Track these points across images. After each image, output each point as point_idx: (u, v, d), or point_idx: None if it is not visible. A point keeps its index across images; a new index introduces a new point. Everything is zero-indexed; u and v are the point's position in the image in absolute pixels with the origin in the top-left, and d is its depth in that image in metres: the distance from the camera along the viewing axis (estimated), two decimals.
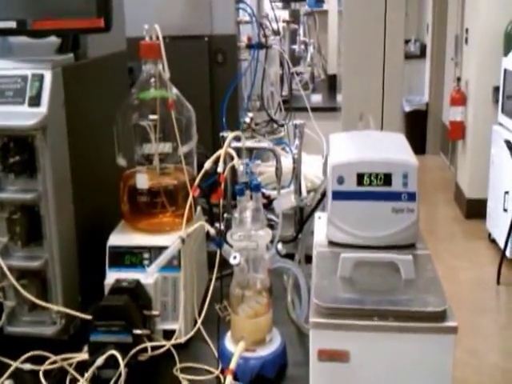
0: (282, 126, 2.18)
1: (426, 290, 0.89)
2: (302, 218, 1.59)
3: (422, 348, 0.82)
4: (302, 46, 3.67)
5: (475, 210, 4.49)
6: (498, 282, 3.64)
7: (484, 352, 2.89)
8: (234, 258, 1.02)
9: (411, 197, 1.00)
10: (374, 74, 1.45)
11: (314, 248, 1.05)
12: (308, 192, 1.78)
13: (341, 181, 1.00)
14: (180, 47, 1.90)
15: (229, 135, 1.23)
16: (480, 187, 4.44)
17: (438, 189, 5.22)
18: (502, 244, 3.80)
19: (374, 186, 1.00)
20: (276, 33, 2.27)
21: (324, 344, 0.83)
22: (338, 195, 1.01)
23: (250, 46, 2.10)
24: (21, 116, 1.07)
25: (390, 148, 1.10)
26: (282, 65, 2.37)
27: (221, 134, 1.54)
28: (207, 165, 1.12)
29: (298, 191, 1.60)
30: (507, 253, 3.73)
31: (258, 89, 2.19)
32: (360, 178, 1.00)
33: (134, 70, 1.62)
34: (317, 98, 4.14)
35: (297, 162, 1.58)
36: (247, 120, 2.08)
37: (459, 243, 4.11)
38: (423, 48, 7.07)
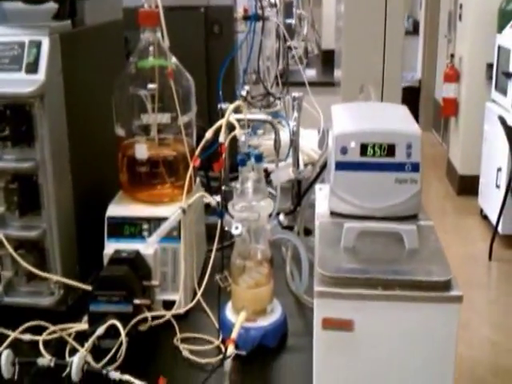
0: (279, 99, 2.15)
1: (430, 259, 0.89)
2: (299, 191, 1.59)
3: (426, 317, 0.82)
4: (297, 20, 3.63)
5: (467, 186, 4.51)
6: (490, 258, 3.67)
7: (475, 326, 2.92)
8: (236, 228, 1.01)
9: (415, 167, 0.99)
10: (374, 47, 1.44)
11: (315, 219, 1.04)
12: (305, 165, 1.77)
13: (344, 151, 0.99)
14: (176, 18, 1.86)
15: (229, 106, 1.21)
16: (472, 164, 4.45)
17: (430, 165, 5.23)
18: (494, 220, 3.82)
19: (377, 156, 0.99)
20: (273, 5, 2.24)
21: (328, 313, 0.83)
22: (341, 166, 1.00)
23: (246, 18, 2.07)
24: (18, 83, 1.05)
25: (393, 118, 1.09)
26: (278, 38, 2.34)
27: (219, 106, 1.52)
28: (208, 134, 1.11)
29: (296, 164, 1.59)
30: (499, 229, 3.76)
31: (254, 62, 2.16)
32: (363, 149, 0.99)
33: (129, 40, 1.59)
34: (311, 73, 4.10)
35: (295, 135, 1.57)
36: (243, 93, 2.06)
37: (451, 219, 4.14)
38: (416, 24, 7.03)
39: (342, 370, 0.85)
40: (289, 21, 3.65)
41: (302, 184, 1.59)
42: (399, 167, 0.99)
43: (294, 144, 1.56)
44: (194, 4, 1.96)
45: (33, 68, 1.06)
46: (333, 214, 1.03)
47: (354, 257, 0.90)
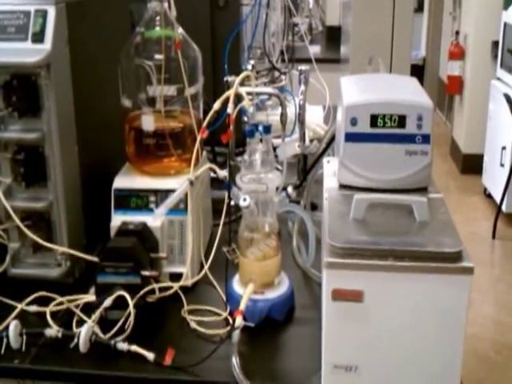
0: (284, 73, 2.13)
1: (441, 231, 0.88)
2: (305, 166, 1.58)
3: (437, 289, 0.81)
4: None
5: (471, 164, 4.49)
6: (494, 237, 3.66)
7: (478, 304, 2.93)
8: (244, 200, 1.01)
9: (425, 139, 0.98)
10: (383, 19, 1.42)
11: (324, 191, 1.03)
12: (311, 141, 1.76)
13: (354, 122, 0.98)
14: None
15: (237, 77, 1.19)
16: (476, 142, 4.42)
17: (434, 144, 5.19)
18: (498, 199, 3.81)
19: (387, 127, 0.97)
20: None
21: (338, 284, 0.82)
22: (350, 137, 0.99)
23: None
24: (24, 53, 1.04)
25: (403, 90, 1.07)
26: (284, 13, 2.31)
27: (225, 78, 1.50)
28: (216, 105, 1.09)
29: (303, 138, 1.58)
30: (503, 207, 3.74)
31: (259, 37, 2.13)
32: (374, 120, 0.97)
33: (133, 12, 1.57)
34: (315, 50, 4.05)
35: (302, 109, 1.55)
36: (249, 67, 2.04)
37: (454, 198, 4.12)
38: (421, 1, 6.94)
39: (351, 341, 0.85)
40: None
41: (308, 159, 1.58)
42: (410, 139, 0.98)
43: (301, 118, 1.55)
44: None
45: (39, 37, 1.05)
46: (342, 186, 1.02)
47: (363, 228, 0.89)
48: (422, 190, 1.00)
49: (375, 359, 0.85)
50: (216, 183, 1.39)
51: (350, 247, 0.83)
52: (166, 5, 1.18)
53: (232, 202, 1.50)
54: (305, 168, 1.58)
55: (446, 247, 0.83)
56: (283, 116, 1.51)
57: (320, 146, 1.44)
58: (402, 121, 0.97)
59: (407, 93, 1.05)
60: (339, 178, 1.02)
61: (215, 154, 1.60)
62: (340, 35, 3.99)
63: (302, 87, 1.57)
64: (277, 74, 2.17)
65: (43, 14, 1.05)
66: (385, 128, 0.98)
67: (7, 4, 1.07)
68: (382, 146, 0.98)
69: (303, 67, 1.63)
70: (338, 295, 0.83)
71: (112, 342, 0.96)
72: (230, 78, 1.50)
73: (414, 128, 0.98)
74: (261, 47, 2.18)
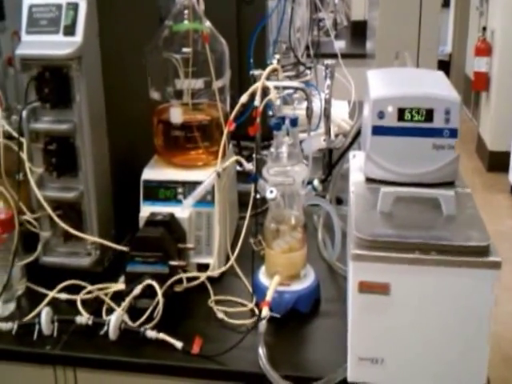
0: (310, 68, 2.13)
1: (468, 225, 0.88)
2: (330, 160, 1.58)
3: (464, 282, 0.82)
4: None
5: (497, 162, 4.44)
6: None
7: (502, 302, 2.90)
8: (271, 192, 1.02)
9: (453, 133, 0.98)
10: (410, 13, 1.41)
11: (350, 185, 1.04)
12: (336, 136, 1.76)
13: (381, 115, 0.98)
14: None
15: (264, 71, 1.20)
16: (503, 139, 4.37)
17: (460, 141, 5.12)
18: None
19: (415, 121, 0.97)
20: None
21: (365, 276, 0.83)
22: (377, 130, 0.99)
23: None
24: (56, 45, 1.06)
25: (431, 84, 1.07)
26: (309, 7, 2.30)
27: (251, 72, 1.51)
28: (244, 98, 1.10)
29: (329, 132, 1.58)
30: None
31: (284, 31, 2.14)
32: (401, 113, 0.97)
33: (160, 7, 1.59)
34: (340, 45, 4.03)
35: (328, 103, 1.55)
36: (274, 62, 2.04)
37: (480, 195, 4.08)
38: None
39: (377, 333, 0.85)
40: None
41: (333, 154, 1.58)
42: (437, 133, 0.98)
43: (327, 112, 1.55)
44: None
45: (70, 30, 1.06)
46: (368, 179, 1.02)
47: (390, 222, 0.89)
48: (449, 185, 1.00)
49: (401, 352, 0.85)
50: (242, 176, 1.40)
51: (376, 240, 0.84)
52: None
53: (258, 195, 1.52)
54: (330, 162, 1.58)
55: (473, 241, 0.83)
56: (309, 110, 1.51)
57: (346, 141, 1.44)
58: (429, 115, 0.97)
59: (435, 87, 1.05)
60: (366, 171, 1.02)
61: (241, 148, 1.61)
62: (365, 30, 3.97)
63: (328, 82, 1.58)
64: (302, 68, 2.18)
65: (74, 7, 1.07)
66: (412, 122, 0.98)
67: None
68: (409, 140, 0.98)
69: (329, 62, 1.64)
70: (365, 287, 0.83)
71: (141, 329, 0.98)
72: (256, 72, 1.51)
73: (442, 122, 0.97)
74: (286, 42, 2.18)
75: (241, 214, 1.36)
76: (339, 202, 1.39)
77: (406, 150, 0.98)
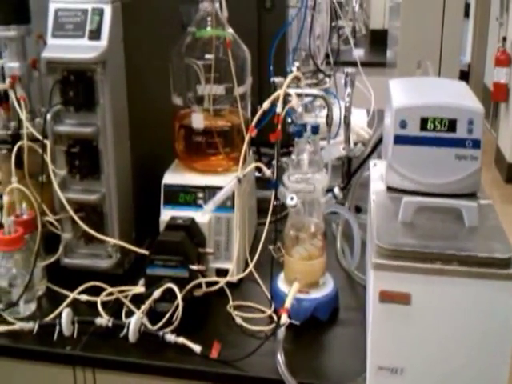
0: (329, 76, 2.14)
1: (490, 237, 0.87)
2: (349, 168, 1.58)
3: (486, 294, 0.81)
4: None
5: None
6: None
7: None
8: (291, 199, 1.02)
9: (476, 144, 0.98)
10: (432, 22, 1.41)
11: (371, 194, 1.04)
12: (355, 144, 1.76)
13: (403, 125, 0.98)
14: None
15: (286, 78, 1.20)
16: None
17: None
18: None
19: (437, 131, 0.97)
20: None
21: (386, 285, 0.83)
22: (399, 139, 0.99)
23: None
24: (81, 49, 1.07)
25: (453, 94, 1.07)
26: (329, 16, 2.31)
27: (272, 79, 1.52)
28: (265, 105, 1.11)
29: (348, 141, 1.58)
30: None
31: (303, 39, 2.14)
32: (424, 123, 0.97)
33: (181, 13, 1.61)
34: (359, 53, 4.02)
35: (348, 111, 1.56)
36: (294, 69, 2.05)
37: (498, 207, 4.00)
38: (466, 7, 6.83)
39: (397, 343, 0.85)
40: None
41: (352, 162, 1.58)
42: (460, 143, 0.97)
43: (347, 120, 1.55)
44: None
45: (95, 35, 1.08)
46: (389, 188, 1.02)
47: (411, 231, 0.89)
48: (471, 196, 0.99)
49: (421, 362, 0.85)
50: (260, 182, 1.41)
51: (398, 249, 0.84)
52: (217, 5, 1.20)
53: (277, 202, 1.52)
54: (349, 170, 1.58)
55: (496, 253, 0.82)
56: (329, 118, 1.51)
57: (365, 149, 1.45)
58: (452, 125, 0.97)
59: (458, 97, 1.04)
60: (387, 180, 1.02)
61: (260, 154, 1.61)
62: (384, 39, 3.97)
63: (348, 90, 1.58)
64: (321, 76, 2.18)
65: (100, 12, 1.08)
66: (435, 131, 0.97)
67: (66, 2, 1.10)
68: (432, 150, 0.98)
69: (349, 70, 1.64)
70: (385, 297, 0.83)
71: (160, 333, 0.98)
72: (276, 79, 1.51)
73: (465, 132, 0.97)
74: (306, 49, 2.19)
75: (259, 221, 1.37)
76: (358, 210, 1.39)
77: (428, 160, 0.98)
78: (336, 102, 1.95)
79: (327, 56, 2.31)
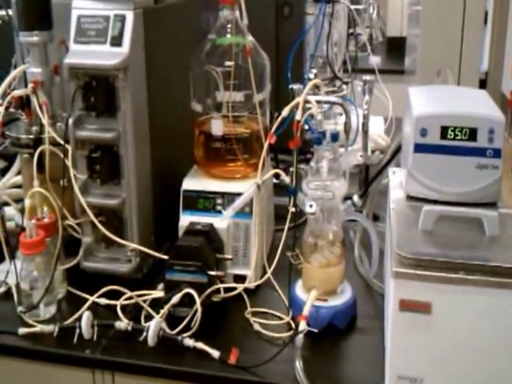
0: (346, 83, 2.14)
1: (511, 246, 0.87)
2: (367, 176, 1.58)
3: (507, 304, 0.81)
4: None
5: None
6: None
7: None
8: (310, 206, 1.02)
9: (496, 153, 0.97)
10: (452, 30, 1.41)
11: (390, 202, 1.03)
12: (372, 152, 1.76)
13: (424, 133, 0.98)
14: None
15: (301, 85, 1.21)
16: None
17: None
18: None
19: (458, 140, 0.97)
20: None
21: (406, 294, 0.83)
22: (420, 148, 0.98)
23: (317, 0, 2.06)
24: (103, 55, 1.08)
25: (474, 102, 1.06)
26: (350, 23, 2.31)
27: (290, 86, 1.52)
28: (285, 112, 1.12)
29: (366, 148, 1.58)
30: None
31: (321, 45, 2.15)
32: (444, 132, 0.97)
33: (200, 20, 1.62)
34: (375, 61, 4.02)
35: (366, 118, 1.56)
36: (311, 76, 2.06)
37: None
38: (485, 15, 6.80)
39: (417, 352, 0.85)
40: (354, 6, 3.59)
41: (369, 170, 1.58)
42: (480, 152, 0.97)
43: (365, 128, 1.55)
44: None
45: (117, 41, 1.09)
46: (409, 197, 1.02)
47: (432, 240, 0.89)
48: (492, 205, 0.99)
49: (441, 372, 0.85)
50: (277, 189, 1.41)
51: (419, 258, 0.84)
52: (237, 13, 1.21)
53: (293, 209, 1.52)
54: (366, 178, 1.58)
55: None
56: (347, 125, 1.51)
57: (384, 157, 1.44)
58: (473, 134, 0.97)
59: (478, 105, 1.04)
60: (407, 188, 1.02)
61: (278, 161, 1.62)
62: (401, 46, 3.96)
63: (367, 97, 1.58)
64: (338, 83, 2.18)
65: (122, 19, 1.10)
66: (455, 140, 0.97)
67: (87, 9, 1.11)
68: (452, 159, 0.98)
69: (368, 77, 1.64)
70: (406, 306, 0.83)
71: (179, 337, 0.99)
72: (295, 86, 1.52)
73: (486, 141, 0.97)
74: (322, 56, 2.19)
75: (276, 227, 1.37)
76: (375, 218, 1.39)
77: (448, 169, 0.98)
78: (353, 110, 1.95)
79: (344, 63, 2.31)
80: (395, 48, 4.09)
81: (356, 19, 2.27)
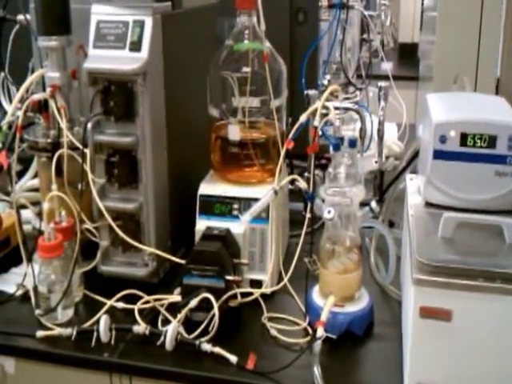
0: (360, 89, 2.14)
1: None
2: (382, 182, 1.58)
3: None
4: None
5: None
6: None
7: None
8: (329, 212, 1.02)
9: None
10: (468, 39, 1.40)
11: (409, 208, 1.03)
12: (386, 158, 1.75)
13: (443, 140, 0.98)
14: (262, 5, 1.87)
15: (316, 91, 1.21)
16: None
17: None
18: None
19: (477, 147, 0.97)
20: None
21: (426, 301, 0.83)
22: (439, 155, 0.98)
23: (331, 6, 2.06)
24: (122, 60, 1.09)
25: (493, 109, 1.06)
26: (366, 29, 2.32)
27: (305, 92, 1.53)
28: (303, 118, 1.12)
29: (381, 154, 1.58)
30: None
31: (334, 51, 2.15)
32: (463, 139, 0.97)
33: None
34: (387, 66, 4.03)
35: (381, 124, 1.56)
36: (325, 82, 2.06)
37: None
38: None
39: (436, 359, 0.84)
40: (367, 12, 3.59)
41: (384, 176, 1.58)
42: (500, 159, 0.97)
43: (381, 134, 1.55)
44: None
45: (136, 46, 1.09)
46: (427, 203, 1.02)
47: (452, 247, 0.89)
48: (511, 212, 0.98)
49: (461, 380, 0.84)
50: (291, 195, 1.41)
51: (439, 265, 0.83)
52: (254, 19, 1.21)
53: (308, 214, 1.52)
54: (381, 184, 1.58)
55: None
56: (362, 131, 1.51)
57: (400, 163, 1.44)
58: (492, 141, 0.96)
59: (497, 112, 1.04)
60: (425, 195, 1.02)
61: (292, 167, 1.62)
62: (413, 52, 3.95)
63: (382, 103, 1.58)
64: (351, 89, 2.18)
65: (141, 25, 1.10)
66: (475, 147, 0.97)
67: (107, 14, 1.12)
68: (471, 166, 0.98)
69: (383, 83, 1.64)
70: (426, 313, 0.83)
71: (197, 342, 0.99)
72: (310, 92, 1.52)
73: (505, 149, 0.97)
74: (336, 62, 2.19)
75: (291, 233, 1.37)
76: (391, 224, 1.39)
77: (467, 176, 0.98)
78: (367, 116, 1.95)
79: (357, 69, 2.31)
80: (407, 54, 4.09)
81: (370, 25, 2.27)
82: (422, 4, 4.26)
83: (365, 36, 2.49)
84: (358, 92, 2.21)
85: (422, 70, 2.17)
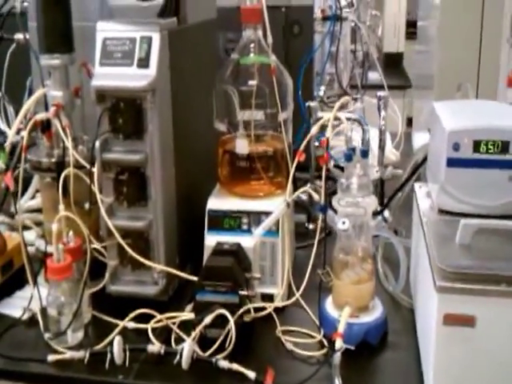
0: (356, 100, 2.15)
1: None
2: (383, 191, 1.58)
3: None
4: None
5: None
6: None
7: None
8: (343, 223, 1.01)
9: None
10: (470, 43, 1.42)
11: (421, 216, 1.03)
12: (384, 167, 1.76)
13: (456, 147, 0.98)
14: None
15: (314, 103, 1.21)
16: None
17: None
18: None
19: (490, 153, 0.97)
20: (350, 4, 2.23)
21: (450, 308, 0.82)
22: (453, 162, 0.98)
23: (325, 18, 2.07)
24: (130, 77, 1.07)
25: (503, 115, 1.07)
26: (354, 40, 2.33)
27: (307, 104, 1.53)
28: (314, 130, 1.11)
29: (382, 163, 1.58)
30: None
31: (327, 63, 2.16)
32: (476, 146, 0.97)
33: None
34: (374, 76, 4.07)
35: (382, 134, 1.56)
36: (320, 93, 2.07)
37: None
38: None
39: (460, 366, 0.84)
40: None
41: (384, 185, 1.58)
42: None
43: (382, 143, 1.55)
44: (275, 4, 1.96)
45: (144, 63, 1.08)
46: (441, 211, 1.02)
47: (471, 254, 0.89)
48: None
49: None
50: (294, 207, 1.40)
51: (461, 272, 0.83)
52: (259, 32, 1.21)
53: (311, 225, 1.51)
54: (382, 193, 1.58)
55: None
56: (364, 141, 1.51)
57: (403, 172, 1.44)
58: (505, 146, 0.97)
59: (508, 118, 1.05)
60: (439, 203, 1.02)
61: (295, 179, 1.61)
62: (398, 62, 4.01)
63: (383, 113, 1.58)
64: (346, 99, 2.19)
65: (148, 41, 1.09)
66: (487, 154, 0.97)
67: (114, 31, 1.11)
68: (485, 172, 0.98)
69: (382, 93, 1.64)
70: (450, 320, 0.82)
71: (213, 359, 0.97)
72: (312, 104, 1.52)
73: None
74: (330, 73, 2.21)
75: (297, 245, 1.36)
76: (394, 233, 1.38)
77: (481, 182, 0.98)
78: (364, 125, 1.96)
79: (358, 78, 2.33)
80: (392, 64, 4.12)
81: (365, 37, 2.29)
82: (408, 14, 4.32)
83: (352, 47, 2.51)
84: (351, 102, 2.22)
85: (415, 79, 2.19)
